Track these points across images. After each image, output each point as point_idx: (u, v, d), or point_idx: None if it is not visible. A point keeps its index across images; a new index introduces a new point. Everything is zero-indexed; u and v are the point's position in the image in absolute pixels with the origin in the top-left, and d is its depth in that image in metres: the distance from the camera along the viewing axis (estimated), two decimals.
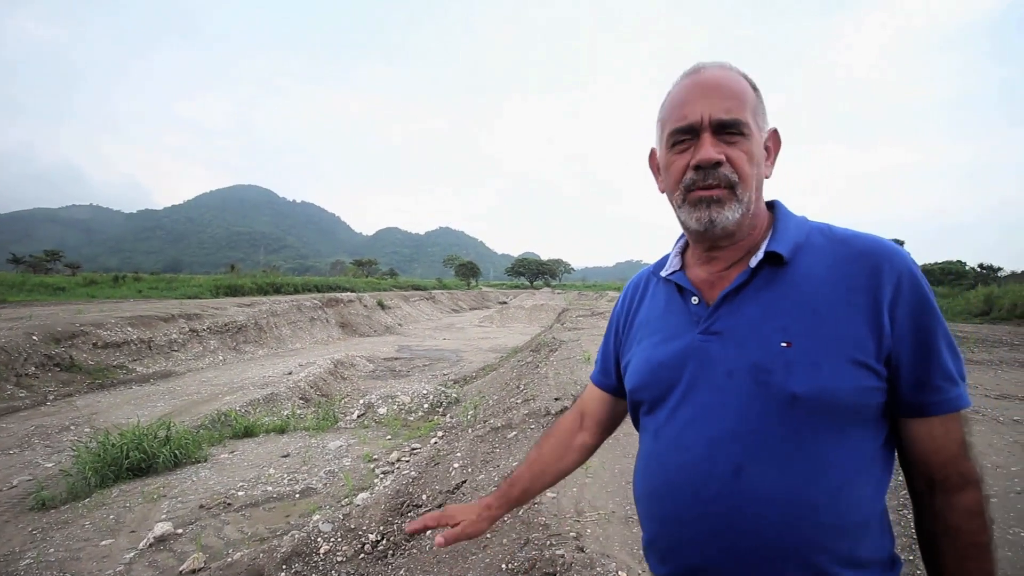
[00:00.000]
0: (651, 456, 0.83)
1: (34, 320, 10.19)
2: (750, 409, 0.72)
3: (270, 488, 4.57)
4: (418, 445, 5.75)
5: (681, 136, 0.77)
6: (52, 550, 3.52)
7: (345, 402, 8.63)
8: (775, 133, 0.82)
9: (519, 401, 5.77)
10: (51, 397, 8.04)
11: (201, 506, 4.17)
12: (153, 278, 25.36)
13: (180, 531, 3.73)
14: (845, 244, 0.75)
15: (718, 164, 0.74)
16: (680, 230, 0.86)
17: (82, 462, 4.73)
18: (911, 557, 2.23)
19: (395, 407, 7.55)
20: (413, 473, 4.30)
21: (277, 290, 22.44)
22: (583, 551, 2.46)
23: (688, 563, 0.76)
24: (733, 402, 0.73)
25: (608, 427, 1.09)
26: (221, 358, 12.38)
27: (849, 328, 0.71)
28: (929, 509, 0.75)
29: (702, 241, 0.82)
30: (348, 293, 23.79)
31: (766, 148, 0.80)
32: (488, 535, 2.88)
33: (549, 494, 3.10)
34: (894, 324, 0.71)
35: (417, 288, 39.92)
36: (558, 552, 2.45)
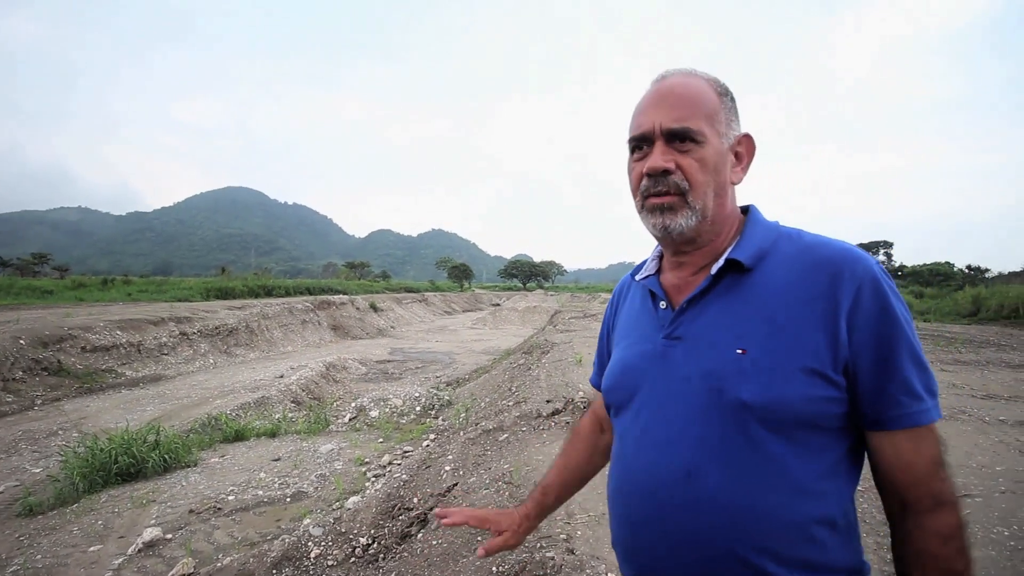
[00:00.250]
0: (617, 457, 0.85)
1: (21, 324, 10.06)
2: (702, 415, 0.73)
3: (261, 492, 4.54)
4: (410, 448, 5.75)
5: (638, 144, 0.79)
6: (39, 556, 3.48)
7: (337, 405, 8.60)
8: (747, 138, 0.81)
9: (511, 404, 5.78)
10: (39, 402, 7.95)
11: (191, 511, 4.14)
12: (143, 281, 25.15)
13: (169, 536, 3.71)
14: (809, 251, 0.74)
15: (667, 172, 0.75)
16: None
17: (70, 467, 4.68)
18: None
19: (387, 410, 7.54)
20: (404, 476, 4.30)
21: (268, 293, 22.32)
22: (573, 553, 2.47)
23: (644, 563, 0.78)
24: (687, 407, 0.74)
25: None
26: (212, 361, 12.29)
27: (805, 337, 0.70)
28: (901, 532, 0.73)
29: (666, 246, 0.84)
30: (340, 295, 23.71)
31: (736, 154, 0.80)
32: (479, 538, 2.89)
33: None
34: (852, 333, 0.69)
35: (410, 290, 39.83)
36: (548, 554, 2.46)
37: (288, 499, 4.43)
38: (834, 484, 0.71)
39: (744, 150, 0.81)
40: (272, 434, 6.43)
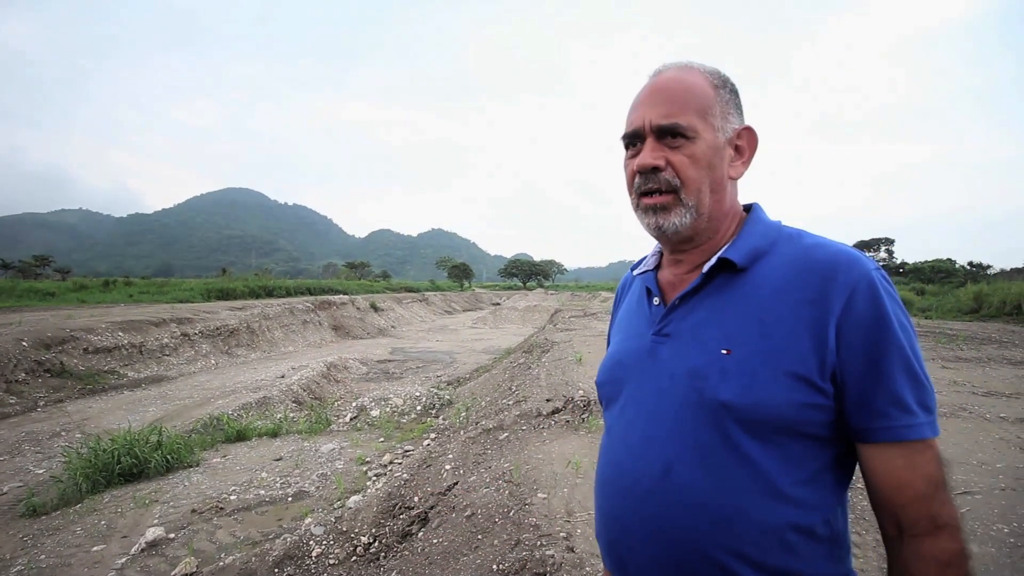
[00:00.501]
0: (604, 451, 0.86)
1: (24, 326, 10.09)
2: (683, 412, 0.72)
3: (262, 492, 4.56)
4: (411, 447, 5.76)
5: (631, 140, 0.78)
6: (43, 556, 3.50)
7: (338, 405, 8.61)
8: (748, 131, 0.79)
9: (511, 403, 5.79)
10: (41, 403, 7.97)
11: (193, 511, 4.16)
12: (144, 282, 25.17)
13: (172, 536, 3.72)
14: (806, 253, 0.72)
15: (657, 169, 0.74)
16: None
17: (73, 468, 4.70)
18: None
19: (388, 409, 7.55)
20: (405, 475, 4.31)
21: (269, 293, 22.33)
22: (573, 551, 2.48)
23: (622, 556, 0.78)
24: (670, 404, 0.74)
25: None
26: (213, 362, 12.31)
27: (792, 340, 0.68)
28: (896, 556, 0.69)
29: (664, 244, 0.84)
30: (341, 295, 23.72)
31: (737, 147, 0.78)
32: (479, 536, 2.91)
33: (540, 495, 3.12)
34: (841, 339, 0.67)
35: (410, 290, 39.83)
36: (548, 552, 2.47)
37: (290, 498, 4.45)
38: (815, 493, 0.69)
39: (745, 143, 0.79)
40: (274, 434, 6.44)
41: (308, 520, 3.86)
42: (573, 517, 2.83)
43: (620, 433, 0.82)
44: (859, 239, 43.23)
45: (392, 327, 22.98)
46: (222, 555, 3.48)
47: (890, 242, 44.30)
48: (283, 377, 9.73)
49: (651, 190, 0.76)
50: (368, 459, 5.47)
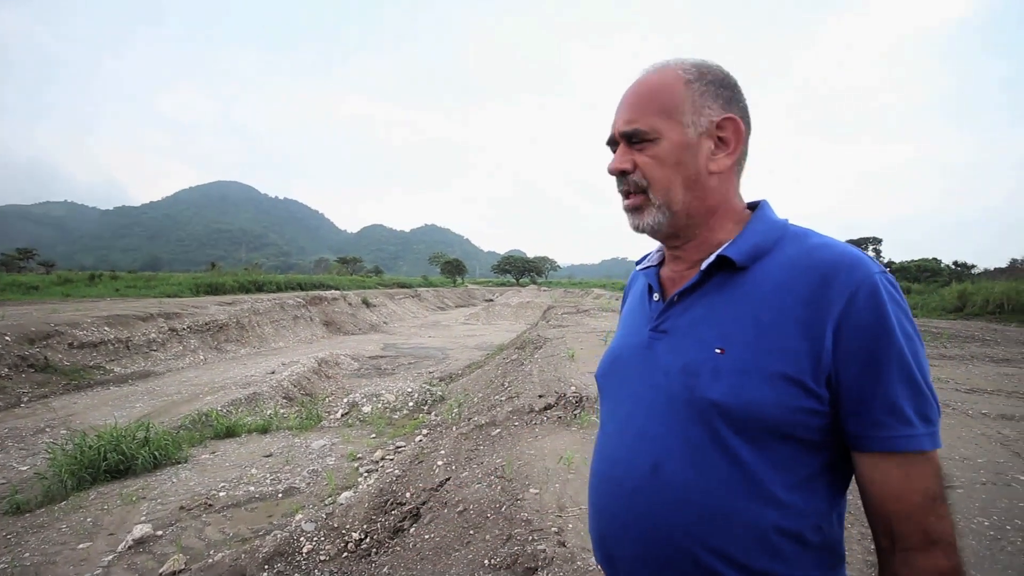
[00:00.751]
0: (598, 445, 0.86)
1: (7, 320, 9.92)
2: (675, 410, 0.72)
3: (252, 488, 4.53)
4: (403, 443, 5.75)
5: (611, 147, 0.82)
6: (27, 554, 3.46)
7: (329, 401, 8.58)
8: (731, 120, 0.75)
9: (503, 399, 5.80)
10: (25, 399, 7.85)
11: (181, 507, 4.12)
12: (130, 276, 24.84)
13: (160, 533, 3.69)
14: (809, 253, 0.70)
15: (625, 172, 0.78)
16: None
17: (58, 464, 4.64)
18: None
19: (380, 405, 7.53)
20: (397, 471, 4.31)
21: (259, 288, 22.15)
22: (564, 545, 2.50)
23: (611, 551, 0.78)
24: (663, 401, 0.74)
25: None
26: (202, 357, 12.20)
27: (786, 342, 0.67)
28: (887, 569, 0.67)
29: (659, 241, 0.85)
30: (332, 291, 23.58)
31: (721, 139, 0.76)
32: (471, 531, 2.91)
33: (532, 490, 3.13)
34: (838, 344, 0.65)
35: (402, 286, 39.66)
36: (540, 547, 2.48)
37: (280, 495, 4.43)
38: (806, 498, 0.68)
39: (730, 134, 0.75)
40: (263, 430, 6.41)
41: (299, 516, 3.85)
42: (565, 512, 2.84)
43: (614, 427, 0.82)
44: (847, 239, 43.58)
45: (384, 323, 22.90)
46: (211, 552, 3.45)
47: (877, 241, 44.81)
48: (273, 373, 9.66)
49: (626, 191, 0.79)
50: (359, 455, 5.45)
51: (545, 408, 4.85)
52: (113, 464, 4.80)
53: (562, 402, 4.91)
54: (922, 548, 0.64)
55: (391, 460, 5.17)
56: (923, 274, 27.85)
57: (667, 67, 0.77)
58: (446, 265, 67.28)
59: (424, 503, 3.59)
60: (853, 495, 0.76)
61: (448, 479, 3.82)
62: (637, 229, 0.80)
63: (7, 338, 8.83)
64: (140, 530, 3.62)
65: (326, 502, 4.20)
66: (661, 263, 0.88)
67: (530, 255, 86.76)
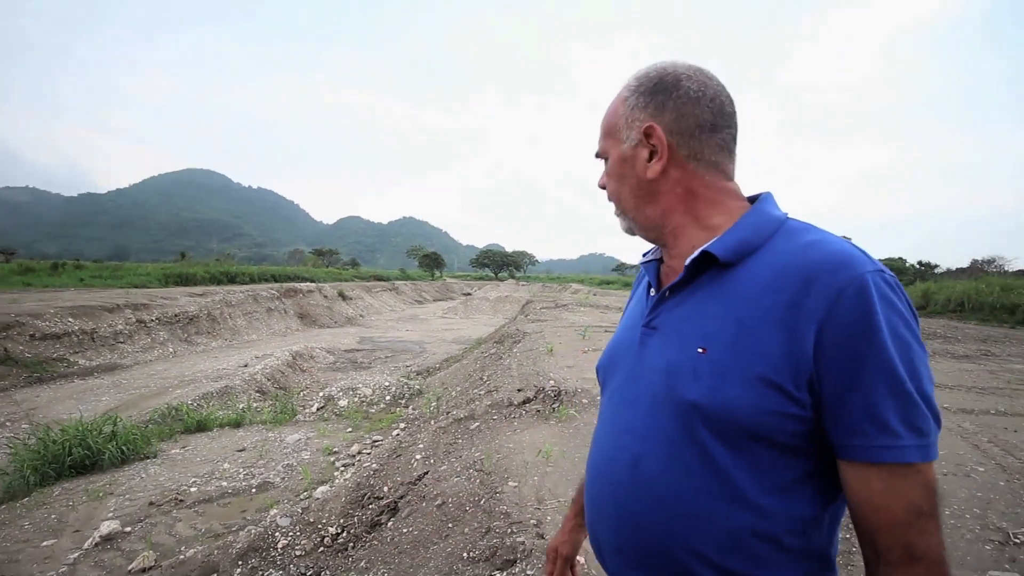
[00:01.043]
0: (594, 435, 0.88)
1: None
2: (656, 407, 0.73)
3: (225, 483, 4.45)
4: (380, 437, 5.71)
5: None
6: None
7: (304, 395, 8.45)
8: (649, 127, 0.76)
9: (482, 392, 5.80)
10: None
11: (151, 503, 4.02)
12: (96, 266, 23.97)
13: (128, 529, 3.60)
14: (799, 251, 0.68)
15: (604, 187, 0.87)
16: None
17: (20, 459, 4.48)
18: None
19: (356, 399, 7.45)
20: (375, 465, 4.28)
21: (232, 279, 21.63)
22: (543, 537, 2.51)
23: (600, 540, 0.81)
24: (647, 397, 0.75)
25: None
26: (171, 350, 11.88)
27: (767, 344, 0.65)
28: None
29: (647, 240, 0.88)
30: (308, 283, 23.19)
31: (653, 148, 0.76)
32: (450, 525, 2.91)
33: (511, 483, 3.15)
34: (820, 347, 0.62)
35: (380, 279, 39.23)
36: (519, 539, 2.50)
37: (254, 490, 4.35)
38: (787, 503, 0.66)
39: (655, 140, 0.76)
40: (236, 424, 6.28)
41: (273, 511, 3.79)
42: (543, 504, 2.87)
43: (606, 419, 0.84)
44: None
45: (361, 316, 22.64)
46: (182, 548, 3.38)
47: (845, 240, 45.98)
48: (246, 366, 9.47)
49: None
50: (336, 449, 5.39)
51: (524, 402, 4.87)
52: (78, 459, 4.65)
53: (541, 396, 4.94)
54: (904, 564, 0.61)
55: (368, 454, 5.13)
56: None
57: (622, 87, 0.82)
58: (424, 258, 66.82)
59: (402, 497, 3.58)
60: None
61: (426, 473, 3.81)
62: (625, 232, 0.88)
63: None
64: (108, 526, 3.52)
65: (301, 497, 4.15)
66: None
67: (509, 249, 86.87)
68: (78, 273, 19.88)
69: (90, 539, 3.44)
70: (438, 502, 3.20)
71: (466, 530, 2.79)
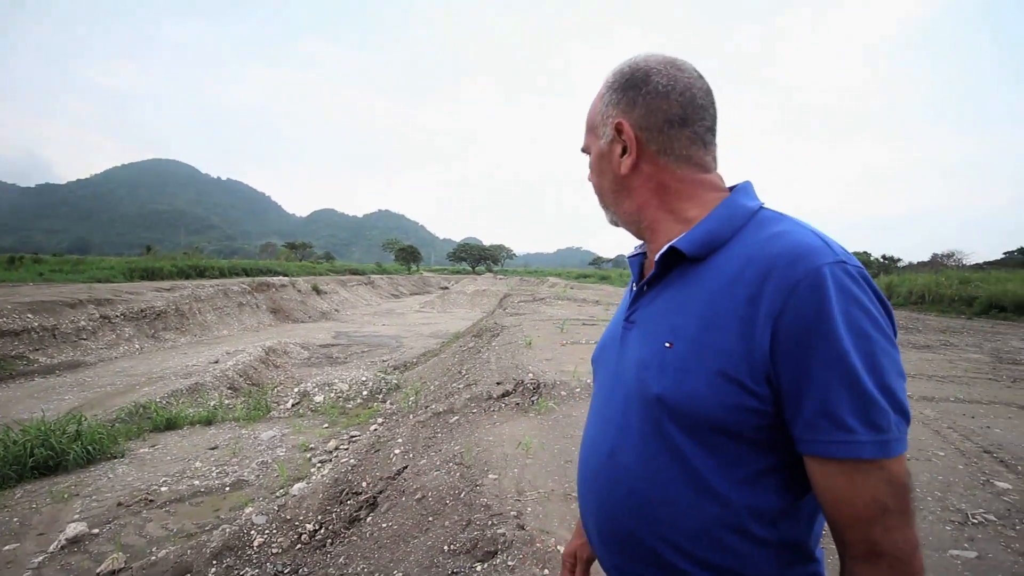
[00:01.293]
0: (585, 425, 0.90)
1: None
2: (630, 401, 0.75)
3: (197, 482, 4.35)
4: (357, 433, 5.66)
5: None
6: None
7: (278, 391, 8.30)
8: (618, 124, 0.77)
9: (461, 386, 5.79)
10: None
11: (119, 504, 3.91)
12: (56, 260, 23.03)
13: (96, 531, 3.49)
14: (762, 244, 0.67)
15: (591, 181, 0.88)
16: None
17: None
18: None
19: (332, 395, 7.36)
20: (352, 461, 4.23)
21: (200, 273, 21.05)
22: (523, 528, 2.53)
23: (589, 528, 0.84)
24: (622, 391, 0.77)
25: None
26: (137, 346, 11.51)
27: (726, 339, 0.65)
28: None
29: (630, 233, 0.89)
30: (280, 277, 22.72)
31: (624, 144, 0.77)
32: (430, 518, 2.91)
33: (491, 475, 3.15)
34: (777, 341, 0.61)
35: (355, 272, 38.68)
36: (499, 531, 2.51)
37: (227, 488, 4.27)
38: (755, 494, 0.67)
39: (625, 136, 0.77)
40: (208, 421, 6.14)
41: (248, 510, 3.72)
42: (523, 496, 2.88)
43: (593, 409, 0.87)
44: None
45: (336, 310, 22.31)
46: (154, 549, 3.29)
47: None
48: (217, 362, 9.24)
49: None
50: (312, 445, 5.32)
51: (503, 395, 4.88)
52: (41, 460, 4.48)
53: (520, 389, 4.95)
54: (867, 559, 0.61)
55: (346, 450, 5.08)
56: None
57: (604, 81, 0.82)
58: (400, 252, 66.13)
59: (381, 492, 3.55)
60: None
61: (406, 467, 3.79)
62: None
63: None
64: (74, 528, 3.40)
65: (277, 494, 4.09)
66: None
67: (486, 243, 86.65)
68: (37, 267, 19.05)
69: (55, 542, 3.32)
70: (418, 496, 3.18)
71: (446, 523, 2.78)
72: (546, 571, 2.23)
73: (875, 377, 0.59)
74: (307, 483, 4.16)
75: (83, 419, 5.14)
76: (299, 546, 3.18)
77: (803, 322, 0.60)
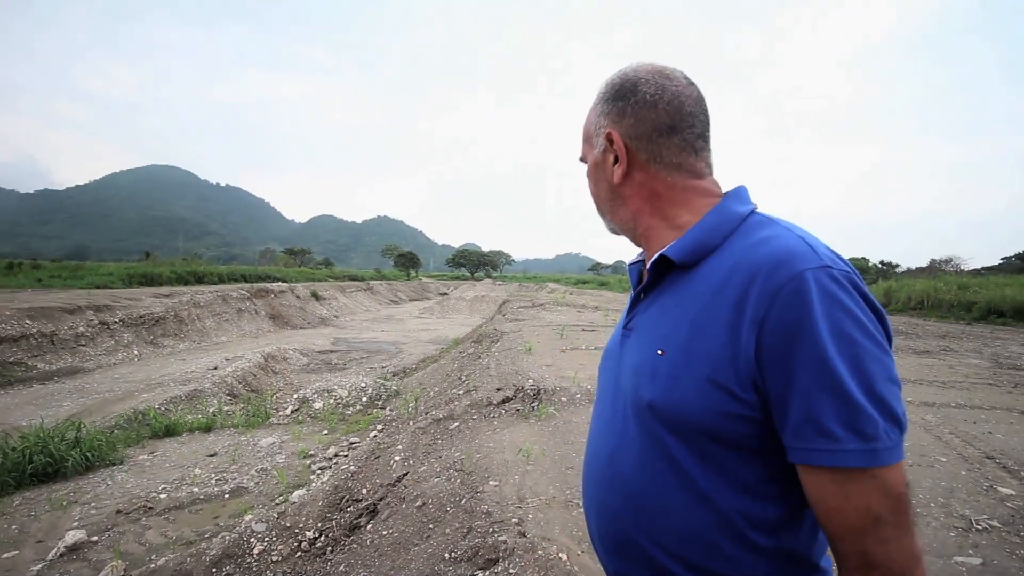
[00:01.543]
0: (589, 429, 0.92)
1: None
2: (626, 408, 0.76)
3: (196, 489, 4.33)
4: (357, 439, 5.64)
5: None
6: None
7: (277, 397, 8.27)
8: (608, 134, 0.79)
9: (461, 392, 5.78)
10: None
11: (119, 511, 3.89)
12: (55, 266, 22.97)
13: (95, 539, 3.47)
14: (748, 250, 0.67)
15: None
16: None
17: None
18: None
19: (331, 401, 7.33)
20: (352, 467, 4.22)
21: (199, 280, 21.00)
22: (525, 536, 2.52)
23: (591, 531, 0.86)
24: (620, 398, 0.79)
25: None
26: (136, 353, 11.48)
27: (714, 346, 0.65)
28: None
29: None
30: (279, 283, 22.70)
31: (616, 153, 0.79)
32: (431, 526, 2.89)
33: (492, 482, 3.14)
34: (761, 347, 0.61)
35: (354, 279, 38.65)
36: (501, 538, 2.49)
37: (227, 495, 4.25)
38: (751, 503, 0.66)
39: (615, 146, 0.78)
40: (207, 428, 6.11)
41: (248, 517, 3.70)
42: (525, 503, 2.87)
43: (595, 415, 0.88)
44: None
45: (335, 317, 22.27)
46: (153, 557, 3.27)
47: None
48: (216, 369, 9.22)
49: None
50: (311, 452, 5.30)
51: (503, 401, 4.87)
52: (40, 467, 4.46)
53: (520, 395, 4.94)
54: (860, 571, 0.59)
55: (345, 456, 5.06)
56: None
57: (599, 90, 0.84)
58: (399, 258, 66.18)
59: (381, 499, 3.54)
60: None
61: (406, 474, 3.78)
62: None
63: None
64: (73, 536, 3.38)
65: (277, 501, 4.07)
66: None
67: (485, 249, 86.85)
68: (36, 273, 19.01)
69: (54, 550, 3.30)
70: (418, 503, 3.17)
71: (447, 530, 2.77)
72: None
73: (862, 383, 0.58)
74: (307, 490, 4.14)
75: (82, 426, 5.12)
76: (299, 554, 3.17)
77: (786, 327, 0.59)
